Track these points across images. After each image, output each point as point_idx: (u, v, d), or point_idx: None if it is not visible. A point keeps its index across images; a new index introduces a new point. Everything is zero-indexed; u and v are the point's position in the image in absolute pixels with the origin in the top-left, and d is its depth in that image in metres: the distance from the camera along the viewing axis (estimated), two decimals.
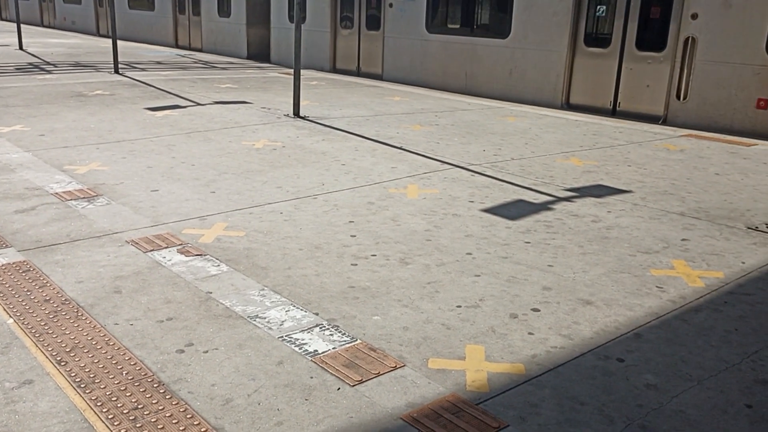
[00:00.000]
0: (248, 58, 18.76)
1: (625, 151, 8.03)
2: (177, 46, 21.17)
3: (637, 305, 3.84)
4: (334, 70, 16.03)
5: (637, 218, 5.44)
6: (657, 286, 4.12)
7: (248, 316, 3.53)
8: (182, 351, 3.17)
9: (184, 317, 3.49)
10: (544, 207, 5.63)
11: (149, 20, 22.84)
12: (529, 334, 3.47)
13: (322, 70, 16.08)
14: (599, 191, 6.20)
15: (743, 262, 4.55)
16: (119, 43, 20.40)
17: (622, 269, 4.37)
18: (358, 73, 15.27)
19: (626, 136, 9.07)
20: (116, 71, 13.70)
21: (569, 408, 2.84)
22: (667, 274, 4.32)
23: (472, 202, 5.71)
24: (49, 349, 3.12)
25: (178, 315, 3.51)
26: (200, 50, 20.10)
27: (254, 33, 18.59)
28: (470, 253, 4.54)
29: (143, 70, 14.54)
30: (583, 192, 6.14)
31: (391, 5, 14.26)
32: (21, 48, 18.03)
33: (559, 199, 5.87)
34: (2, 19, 33.99)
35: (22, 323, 3.35)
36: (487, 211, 5.48)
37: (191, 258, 4.26)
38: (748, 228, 5.28)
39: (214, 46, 19.91)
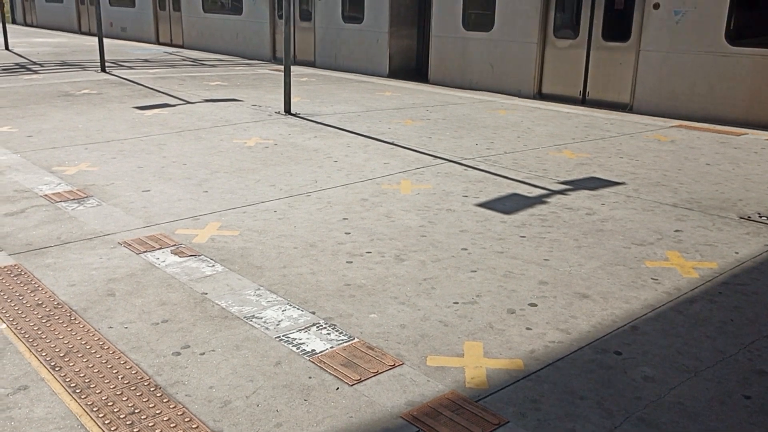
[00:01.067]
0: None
1: (617, 143, 8.04)
2: (274, 59, 17.21)
3: (633, 298, 3.85)
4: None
5: (631, 210, 5.44)
6: (652, 278, 4.12)
7: (244, 317, 3.50)
8: (178, 353, 3.14)
9: (180, 319, 3.47)
10: (538, 200, 5.63)
11: (235, 26, 18.89)
12: (527, 329, 3.46)
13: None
14: (593, 183, 6.20)
15: (737, 252, 4.56)
16: (107, 41, 20.19)
17: (618, 262, 4.37)
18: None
19: (617, 127, 9.08)
20: (103, 70, 13.59)
21: (568, 402, 2.84)
22: (662, 265, 4.33)
23: (466, 196, 5.70)
24: (43, 354, 3.09)
25: (174, 317, 3.49)
26: (313, 64, 16.30)
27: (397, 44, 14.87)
28: (466, 249, 4.53)
29: (131, 68, 14.44)
30: (576, 185, 6.14)
31: None
32: (7, 48, 17.87)
33: (554, 192, 5.87)
34: (29, 25, 30.87)
35: (15, 328, 3.31)
36: (482, 205, 5.47)
37: (185, 259, 4.23)
38: (741, 218, 5.30)
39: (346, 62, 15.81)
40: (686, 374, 3.08)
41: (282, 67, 9.78)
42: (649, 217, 5.29)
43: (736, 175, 6.61)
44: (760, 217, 5.32)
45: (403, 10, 14.73)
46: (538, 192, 5.87)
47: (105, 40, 21.63)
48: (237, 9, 18.58)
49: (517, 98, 11.82)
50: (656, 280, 4.10)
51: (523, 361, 3.15)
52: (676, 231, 4.98)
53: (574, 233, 4.87)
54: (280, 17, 16.92)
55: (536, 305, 3.73)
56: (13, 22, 32.40)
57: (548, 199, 5.66)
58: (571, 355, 3.22)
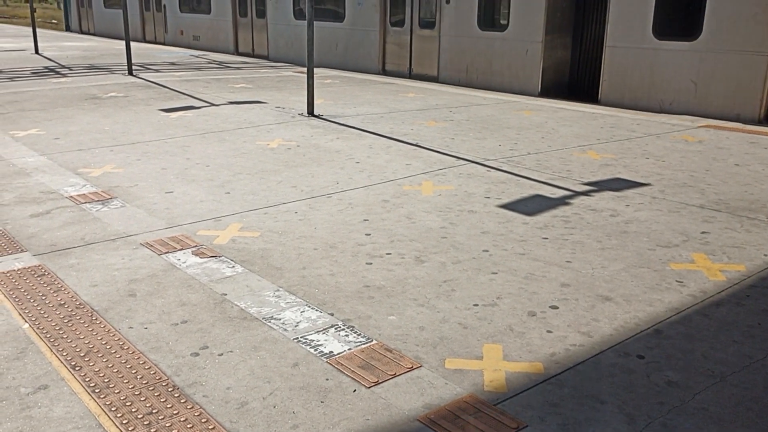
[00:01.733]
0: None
1: (643, 144, 7.92)
2: (383, 71, 15.27)
3: (657, 300, 3.77)
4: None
5: (656, 211, 5.35)
6: (677, 281, 4.04)
7: (263, 318, 3.50)
8: (197, 354, 3.15)
9: (199, 320, 3.48)
10: (561, 202, 5.56)
11: (334, 35, 16.55)
12: (548, 332, 3.41)
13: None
14: (617, 185, 6.11)
15: (765, 255, 4.46)
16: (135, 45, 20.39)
17: (642, 264, 4.29)
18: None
19: (644, 128, 8.95)
20: (130, 73, 13.76)
21: (589, 407, 2.79)
22: (687, 268, 4.24)
23: (488, 198, 5.65)
24: (64, 353, 3.12)
25: (193, 317, 3.50)
26: (436, 79, 14.14)
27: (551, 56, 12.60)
28: (487, 250, 4.49)
29: (157, 71, 14.60)
30: (601, 186, 6.06)
31: None
32: (37, 52, 18.19)
33: (577, 194, 5.80)
34: (85, 33, 28.33)
35: (38, 328, 3.35)
36: (504, 206, 5.42)
37: (206, 260, 4.25)
38: None
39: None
40: (711, 379, 3.01)
41: (305, 69, 9.80)
42: (674, 218, 5.20)
43: (766, 176, 6.47)
44: None
45: (558, 15, 12.30)
46: (561, 193, 5.80)
47: (138, 45, 21.70)
48: (338, 15, 16.19)
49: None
50: (681, 282, 4.02)
51: (543, 365, 3.10)
52: (703, 233, 4.88)
53: (597, 235, 4.80)
54: (394, 24, 14.88)
55: (557, 308, 3.67)
56: (67, 29, 30.03)
57: (571, 201, 5.59)
58: (593, 358, 3.17)
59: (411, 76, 14.55)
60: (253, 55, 18.88)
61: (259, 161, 6.77)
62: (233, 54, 19.54)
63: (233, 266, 4.15)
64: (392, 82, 13.46)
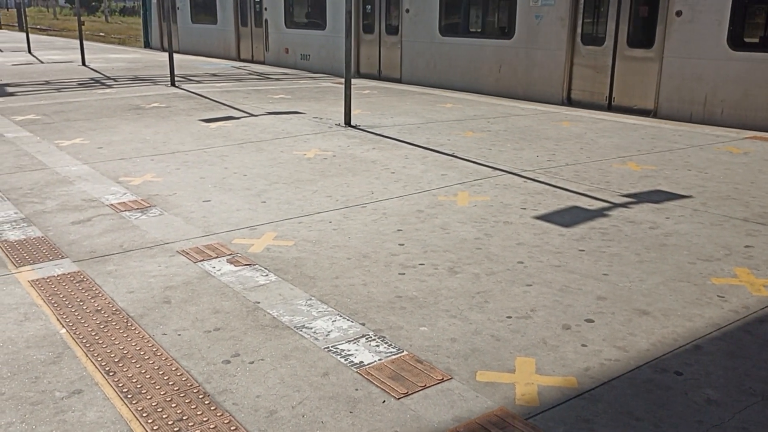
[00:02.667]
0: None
1: (685, 155, 7.75)
2: (569, 102, 12.22)
3: (697, 315, 3.67)
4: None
5: (698, 224, 5.22)
6: (718, 296, 3.92)
7: (295, 327, 3.51)
8: (228, 362, 3.17)
9: (232, 327, 3.50)
10: (599, 213, 5.46)
11: (498, 55, 13.41)
12: (583, 345, 3.34)
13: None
14: (657, 197, 5.98)
15: None
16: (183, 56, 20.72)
17: (681, 278, 4.19)
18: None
19: (686, 139, 8.76)
20: (173, 84, 14.03)
21: (624, 423, 2.72)
22: (729, 282, 4.12)
23: (524, 209, 5.59)
24: (99, 359, 3.17)
25: (226, 325, 3.52)
26: (655, 113, 10.95)
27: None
28: (522, 262, 4.43)
29: (199, 82, 14.86)
30: (640, 198, 5.94)
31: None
32: (84, 64, 18.68)
33: (615, 205, 5.69)
34: (167, 50, 25.68)
35: (74, 333, 3.41)
36: (540, 218, 5.35)
37: (240, 268, 4.29)
38: None
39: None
40: (753, 398, 2.91)
41: (343, 80, 9.85)
42: (717, 231, 5.06)
43: None
44: None
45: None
46: (599, 205, 5.70)
47: (196, 58, 21.60)
48: (504, 32, 13.26)
49: (583, 109, 11.36)
50: (723, 297, 3.91)
51: (577, 379, 3.04)
52: (747, 247, 4.74)
53: (635, 247, 4.70)
54: (588, 42, 11.81)
55: (593, 321, 3.60)
56: (147, 46, 27.53)
57: (610, 212, 5.49)
58: (629, 374, 3.09)
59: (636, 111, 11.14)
60: (379, 78, 16.14)
61: (296, 171, 6.82)
62: (356, 77, 16.33)
63: (267, 275, 4.18)
64: (433, 93, 13.45)
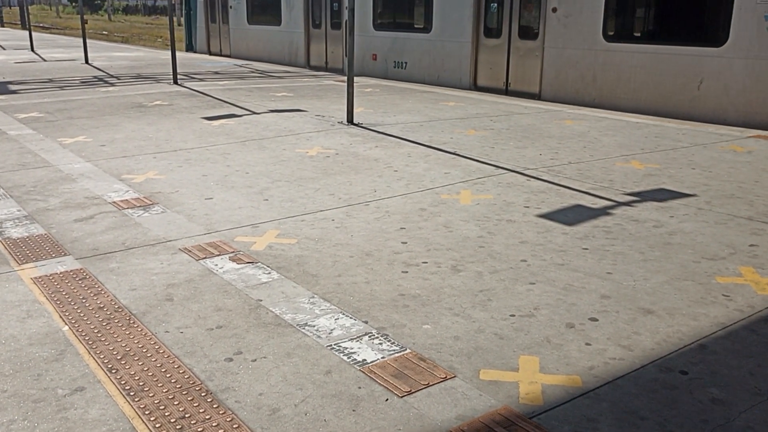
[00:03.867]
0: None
1: (689, 154, 7.73)
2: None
3: (702, 315, 3.65)
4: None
5: (702, 223, 5.19)
6: (723, 295, 3.91)
7: (297, 324, 3.50)
8: (231, 359, 3.15)
9: (234, 325, 3.49)
10: (603, 212, 5.44)
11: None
12: (587, 344, 3.33)
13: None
14: (661, 195, 5.96)
15: None
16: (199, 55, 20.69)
17: (686, 276, 4.17)
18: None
19: (690, 138, 8.73)
20: (175, 82, 14.03)
21: (628, 423, 2.70)
22: (735, 281, 4.10)
23: (527, 207, 5.57)
24: (101, 356, 3.16)
25: (228, 323, 3.51)
26: None
27: None
28: (525, 260, 4.41)
29: (201, 80, 14.85)
30: (644, 196, 5.92)
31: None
32: (87, 62, 18.68)
33: (619, 204, 5.67)
34: (215, 54, 22.89)
35: (77, 330, 3.40)
36: (543, 216, 5.33)
37: (243, 265, 4.27)
38: None
39: None
40: (758, 397, 2.89)
41: (346, 78, 9.84)
42: (721, 230, 5.04)
43: None
44: None
45: None
46: (602, 203, 5.68)
47: (197, 56, 21.28)
48: (685, 36, 10.63)
49: (585, 108, 11.32)
50: (728, 296, 3.89)
51: (581, 378, 3.02)
52: (751, 245, 4.72)
53: (639, 246, 4.68)
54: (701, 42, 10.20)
55: (597, 320, 3.58)
56: (189, 49, 24.76)
57: (613, 211, 5.47)
58: (633, 373, 3.07)
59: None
60: (506, 92, 13.26)
61: (298, 169, 6.81)
62: (468, 89, 13.78)
63: (269, 272, 4.16)
64: (435, 91, 13.43)
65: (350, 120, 9.51)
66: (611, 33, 11.51)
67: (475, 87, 13.84)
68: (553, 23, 12.21)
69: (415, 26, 15.29)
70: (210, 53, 23.17)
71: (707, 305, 3.77)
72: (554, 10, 12.12)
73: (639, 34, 11.48)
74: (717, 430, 2.66)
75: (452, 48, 14.16)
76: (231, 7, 21.49)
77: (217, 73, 16.71)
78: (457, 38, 14.03)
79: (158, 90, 12.99)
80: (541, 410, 2.78)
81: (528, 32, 12.81)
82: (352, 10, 9.16)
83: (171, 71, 14.33)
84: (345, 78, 14.23)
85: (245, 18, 21.01)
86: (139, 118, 9.75)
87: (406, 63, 15.40)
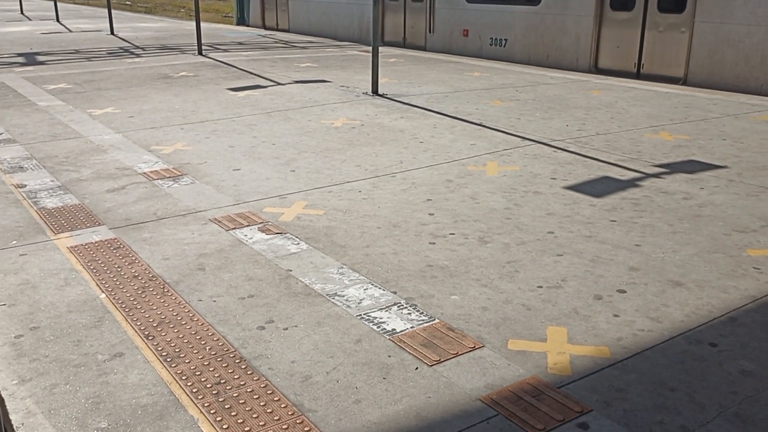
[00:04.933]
0: None
1: (720, 125, 7.61)
2: None
3: (732, 287, 3.64)
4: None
5: (733, 195, 5.14)
6: (754, 267, 3.88)
7: (327, 294, 3.55)
8: (263, 328, 3.22)
9: (265, 294, 3.55)
10: (631, 184, 5.41)
11: None
12: (615, 316, 3.34)
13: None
14: (691, 167, 5.90)
15: None
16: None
17: (716, 249, 4.14)
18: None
19: (721, 108, 8.59)
20: (200, 53, 14.05)
21: (657, 394, 2.72)
22: (766, 254, 4.07)
23: (554, 179, 5.55)
24: (138, 323, 3.24)
25: (259, 292, 3.58)
26: None
27: None
28: (552, 232, 4.41)
29: (226, 51, 14.85)
30: (673, 168, 5.86)
31: None
32: (112, 33, 18.76)
33: (648, 176, 5.62)
34: (270, 29, 21.14)
35: (114, 298, 3.49)
36: (570, 188, 5.31)
37: (272, 236, 4.33)
38: None
39: None
40: None
41: (370, 49, 9.79)
42: (753, 202, 4.98)
43: None
44: None
45: None
46: (630, 175, 5.64)
47: (208, 25, 20.65)
48: None
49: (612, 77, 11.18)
50: (759, 269, 3.86)
51: (610, 349, 3.04)
52: None
53: (668, 218, 4.65)
54: None
55: (625, 292, 3.59)
56: (240, 23, 22.88)
57: (641, 183, 5.43)
58: (662, 344, 3.08)
59: None
60: (637, 76, 11.38)
61: (324, 140, 6.83)
62: (587, 71, 12.05)
63: (298, 243, 4.21)
64: (460, 62, 13.30)
65: (375, 91, 9.49)
66: None
67: (596, 69, 12.04)
68: None
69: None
70: (265, 28, 21.29)
71: (737, 278, 3.75)
72: None
73: None
74: (746, 402, 2.67)
75: (567, 22, 12.27)
76: None
77: (241, 43, 16.69)
78: (573, 11, 12.10)
79: (183, 61, 13.03)
80: (570, 380, 2.82)
81: (671, 3, 10.83)
82: None
83: (195, 42, 14.35)
84: (369, 48, 14.13)
85: None
86: (166, 89, 9.81)
87: (505, 40, 13.44)
